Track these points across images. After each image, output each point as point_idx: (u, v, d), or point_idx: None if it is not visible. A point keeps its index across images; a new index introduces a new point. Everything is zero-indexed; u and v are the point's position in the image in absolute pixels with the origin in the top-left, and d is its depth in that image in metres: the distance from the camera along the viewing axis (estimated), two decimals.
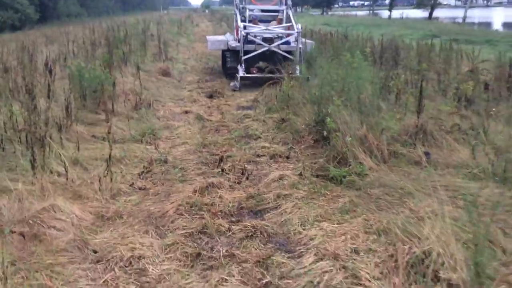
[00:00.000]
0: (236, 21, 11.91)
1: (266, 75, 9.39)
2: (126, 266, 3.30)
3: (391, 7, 57.40)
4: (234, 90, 10.29)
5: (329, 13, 75.37)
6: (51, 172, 4.82)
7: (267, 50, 10.61)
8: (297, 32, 10.51)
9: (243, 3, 12.32)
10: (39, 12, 37.81)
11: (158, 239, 3.72)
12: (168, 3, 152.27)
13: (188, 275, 3.21)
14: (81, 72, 7.58)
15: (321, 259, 3.32)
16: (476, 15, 76.18)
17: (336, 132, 5.30)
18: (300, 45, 10.40)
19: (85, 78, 7.55)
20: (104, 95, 7.70)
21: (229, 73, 11.41)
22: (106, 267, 3.29)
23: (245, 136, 6.70)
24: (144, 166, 5.40)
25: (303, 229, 3.81)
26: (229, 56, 11.68)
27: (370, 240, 3.53)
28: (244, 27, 10.75)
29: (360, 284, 3.01)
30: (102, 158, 5.39)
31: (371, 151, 5.13)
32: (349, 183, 4.61)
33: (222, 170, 5.22)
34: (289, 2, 12.06)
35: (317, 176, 4.92)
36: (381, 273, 3.11)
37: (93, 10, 57.68)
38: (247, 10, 12.05)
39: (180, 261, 3.38)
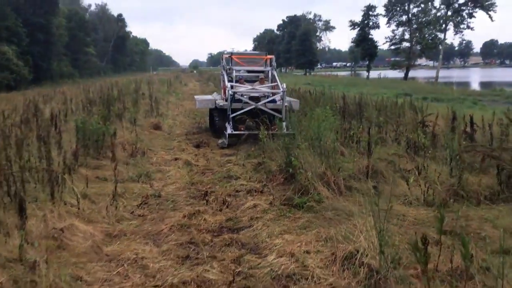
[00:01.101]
0: (223, 81, 12.42)
1: (253, 132, 9.82)
2: (132, 264, 4.34)
3: (368, 68, 60.73)
4: (222, 148, 10.53)
5: (312, 73, 78.82)
6: (65, 204, 5.87)
7: (253, 108, 10.83)
8: (282, 91, 10.92)
9: (230, 64, 12.80)
10: (33, 72, 39.49)
11: (156, 247, 4.78)
12: (157, 64, 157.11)
13: (179, 268, 4.25)
14: (85, 125, 8.78)
15: (281, 257, 4.40)
16: (455, 75, 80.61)
17: (300, 169, 6.50)
18: (286, 103, 10.84)
19: (88, 130, 8.73)
20: (104, 144, 8.87)
21: (217, 131, 11.82)
22: (117, 264, 4.33)
23: (226, 177, 7.84)
24: (141, 200, 6.49)
25: (269, 240, 4.91)
26: (217, 114, 12.07)
27: (319, 245, 4.64)
28: (232, 87, 11.14)
29: (307, 270, 4.09)
30: (106, 193, 6.49)
31: (329, 184, 6.31)
32: (308, 208, 5.75)
33: (207, 201, 6.35)
34: (274, 63, 12.93)
35: (284, 204, 6.06)
36: (324, 264, 4.21)
37: (85, 71, 59.95)
38: (234, 71, 12.61)
39: (173, 261, 4.44)
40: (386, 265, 3.76)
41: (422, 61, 79.45)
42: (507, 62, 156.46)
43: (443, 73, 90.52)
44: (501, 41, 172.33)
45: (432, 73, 76.02)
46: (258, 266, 4.29)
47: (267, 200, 6.29)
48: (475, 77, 71.85)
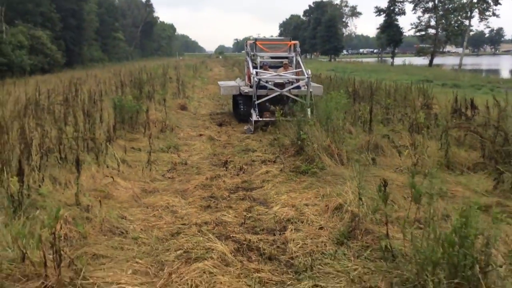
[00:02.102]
0: (248, 67, 12.55)
1: (277, 119, 9.71)
2: (164, 209, 5.43)
3: (393, 54, 60.61)
4: (250, 133, 10.55)
5: (337, 59, 78.86)
6: (107, 167, 6.98)
7: (278, 94, 10.98)
8: (307, 77, 10.89)
9: (254, 50, 12.83)
10: (66, 56, 41.18)
11: (183, 199, 5.85)
12: (183, 49, 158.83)
13: (202, 214, 5.31)
14: (121, 103, 9.91)
15: (284, 207, 5.42)
16: (484, 62, 79.38)
17: (308, 142, 7.47)
18: (311, 89, 10.82)
19: (124, 108, 9.87)
20: (138, 121, 10.00)
21: (242, 117, 11.95)
22: (153, 209, 5.42)
23: (245, 150, 8.87)
24: (171, 166, 7.59)
25: (276, 196, 5.92)
26: (242, 101, 12.11)
27: (317, 200, 5.63)
28: (256, 73, 11.10)
29: (305, 216, 5.08)
30: (141, 160, 7.60)
31: (332, 156, 7.25)
32: (312, 173, 6.71)
33: (226, 168, 7.39)
34: (298, 49, 12.80)
35: (292, 171, 7.04)
36: (318, 212, 5.20)
37: (114, 56, 61.68)
38: (258, 57, 12.58)
39: (197, 208, 5.50)
40: (364, 211, 4.72)
41: (451, 48, 78.42)
42: None
43: (472, 60, 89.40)
44: None
45: (463, 60, 75.10)
46: (265, 213, 5.32)
47: (278, 168, 7.28)
48: (506, 64, 70.45)
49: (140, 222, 5.06)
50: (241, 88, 12.40)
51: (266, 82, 11.27)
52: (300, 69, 11.93)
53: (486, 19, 47.72)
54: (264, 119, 10.71)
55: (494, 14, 46.87)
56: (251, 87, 11.37)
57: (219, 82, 15.48)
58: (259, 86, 11.00)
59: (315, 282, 3.69)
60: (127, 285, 3.68)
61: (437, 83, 26.59)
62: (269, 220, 5.14)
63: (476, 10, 46.49)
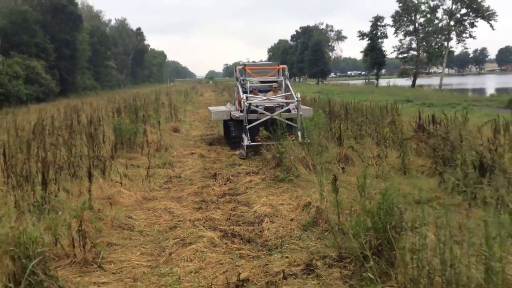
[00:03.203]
0: (238, 92, 12.61)
1: (270, 143, 9.81)
2: (163, 211, 6.51)
3: (377, 76, 62.65)
4: (242, 158, 10.62)
5: (324, 82, 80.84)
6: (111, 180, 8.05)
7: (269, 118, 11.00)
8: (296, 100, 11.18)
9: (243, 75, 13.02)
10: (60, 85, 42.34)
11: (178, 204, 6.93)
12: (174, 75, 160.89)
13: (194, 213, 6.39)
14: (120, 126, 11.01)
15: (263, 206, 6.52)
16: (470, 82, 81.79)
17: (285, 155, 8.61)
18: (301, 112, 11.08)
19: (123, 130, 10.97)
20: (135, 142, 11.10)
21: (233, 142, 11.99)
22: (153, 211, 6.50)
23: (232, 164, 9.99)
24: (166, 179, 8.66)
25: (257, 199, 7.02)
26: (233, 126, 12.20)
27: (291, 200, 6.73)
28: (247, 98, 11.30)
29: (279, 212, 6.18)
30: (140, 175, 8.67)
31: (307, 166, 8.38)
32: (289, 180, 7.83)
33: (215, 179, 8.50)
34: (286, 73, 13.07)
35: (272, 179, 8.15)
36: (291, 209, 6.31)
37: (106, 84, 62.98)
38: (248, 82, 12.86)
39: (190, 209, 6.58)
40: (326, 206, 5.83)
41: (436, 69, 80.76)
42: None
43: (457, 80, 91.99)
44: None
45: (446, 80, 77.42)
46: (246, 211, 6.43)
47: (260, 178, 8.40)
48: (490, 83, 72.61)
49: (143, 220, 6.14)
50: (231, 113, 12.58)
51: (257, 106, 11.38)
52: (290, 93, 12.15)
53: (463, 40, 49.91)
54: (256, 143, 10.74)
55: (471, 36, 49.06)
56: (241, 111, 11.50)
57: (210, 108, 15.69)
58: (250, 111, 11.18)
59: (283, 255, 4.78)
60: (137, 262, 4.74)
61: (416, 102, 28.07)
62: (250, 216, 6.24)
63: (454, 32, 48.69)
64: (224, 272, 4.39)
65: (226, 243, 5.15)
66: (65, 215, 5.38)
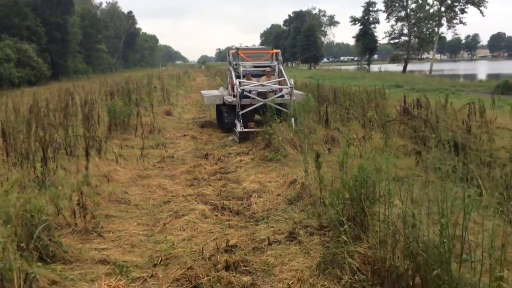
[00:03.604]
0: (231, 77, 12.52)
1: (262, 129, 9.92)
2: (157, 187, 6.89)
3: (369, 62, 63.06)
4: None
5: (316, 67, 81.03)
6: (107, 159, 8.40)
7: (262, 104, 10.92)
8: (290, 87, 11.20)
9: (236, 60, 12.85)
10: (51, 69, 42.25)
11: (171, 181, 7.31)
12: (166, 59, 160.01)
13: (187, 189, 6.78)
14: (114, 108, 11.31)
15: (252, 183, 6.91)
16: (461, 67, 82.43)
17: (274, 136, 8.99)
18: (294, 98, 11.07)
19: (117, 112, 11.27)
20: (129, 124, 11.42)
21: (226, 127, 12.06)
22: (148, 187, 6.88)
23: (223, 145, 10.37)
24: (160, 158, 9.02)
25: (247, 177, 7.42)
26: (225, 110, 12.16)
27: (278, 178, 7.14)
28: (240, 83, 11.20)
29: (267, 189, 6.58)
30: (134, 155, 9.02)
31: (295, 146, 8.77)
32: (277, 160, 8.23)
33: (207, 159, 8.88)
34: (280, 58, 12.98)
35: (261, 159, 8.55)
36: (278, 186, 6.72)
37: (98, 67, 62.71)
38: (241, 67, 12.66)
39: (183, 186, 6.96)
40: (310, 182, 6.24)
41: (428, 55, 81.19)
42: None
43: (449, 66, 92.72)
44: (508, 33, 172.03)
45: (437, 66, 78.08)
46: (236, 188, 6.83)
47: (250, 158, 8.80)
48: (481, 69, 73.06)
49: (139, 195, 6.52)
50: (224, 97, 12.54)
51: (250, 92, 11.28)
52: (283, 78, 12.11)
53: (454, 26, 50.30)
54: (249, 129, 10.73)
55: (461, 22, 49.45)
56: (234, 96, 11.43)
57: (202, 92, 15.51)
58: (243, 96, 11.11)
59: (269, 225, 5.19)
60: (134, 231, 5.13)
61: (405, 88, 28.45)
62: (239, 192, 6.65)
63: (444, 18, 49.05)
64: (214, 239, 4.79)
65: (216, 215, 5.55)
66: (65, 189, 5.73)
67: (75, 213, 5.05)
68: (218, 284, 3.75)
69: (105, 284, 3.79)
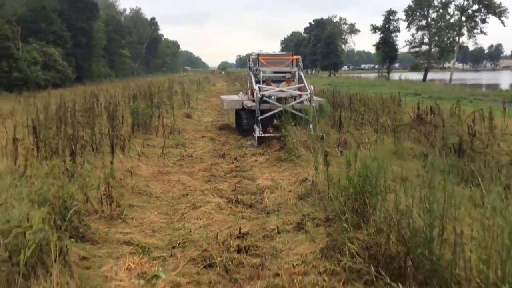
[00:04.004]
0: (251, 82, 12.59)
1: (281, 134, 10.05)
2: (176, 182, 7.35)
3: (389, 70, 63.00)
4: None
5: (336, 75, 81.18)
6: (130, 157, 8.91)
7: (281, 109, 10.95)
8: (310, 93, 11.18)
9: (257, 65, 12.92)
10: (76, 72, 43.45)
11: (190, 177, 7.77)
12: (187, 65, 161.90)
13: (204, 184, 7.22)
14: (137, 110, 11.87)
15: (265, 181, 7.32)
16: (484, 77, 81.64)
17: (289, 138, 9.39)
18: (313, 104, 11.04)
19: (139, 114, 11.82)
20: (151, 125, 11.96)
21: (245, 131, 12.21)
22: (168, 182, 7.35)
23: (239, 147, 10.81)
24: (179, 157, 9.50)
25: (261, 175, 7.83)
26: (245, 115, 12.35)
27: (290, 176, 7.53)
28: (259, 89, 11.23)
29: (279, 186, 6.98)
30: (155, 153, 9.52)
31: (308, 148, 9.15)
32: (290, 160, 8.62)
33: (223, 158, 9.33)
34: (300, 64, 13.05)
35: (276, 159, 8.95)
36: (290, 183, 7.11)
37: (121, 72, 64.06)
38: (261, 72, 12.73)
39: (200, 181, 7.41)
40: (320, 180, 6.62)
41: (450, 64, 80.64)
42: None
43: (471, 75, 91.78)
44: None
45: (460, 76, 77.44)
46: (250, 184, 7.25)
47: (265, 158, 9.21)
48: (505, 79, 72.03)
49: (159, 188, 6.99)
50: (244, 102, 12.68)
51: (269, 97, 11.34)
52: (303, 84, 12.13)
53: (474, 36, 50.05)
54: (267, 134, 10.79)
55: (482, 32, 49.22)
56: (254, 101, 11.53)
57: (222, 96, 15.74)
58: (262, 101, 11.17)
59: (279, 217, 5.59)
60: (155, 219, 5.58)
61: (424, 96, 28.60)
62: (253, 188, 7.07)
63: (465, 28, 48.86)
64: (228, 227, 5.20)
65: (230, 207, 5.98)
66: (92, 181, 6.23)
67: (102, 201, 5.53)
68: (230, 263, 4.17)
69: (129, 261, 4.23)
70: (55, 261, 3.64)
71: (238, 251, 4.50)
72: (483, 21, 47.90)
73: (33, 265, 3.59)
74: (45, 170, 5.62)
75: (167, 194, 6.73)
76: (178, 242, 4.78)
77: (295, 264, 4.18)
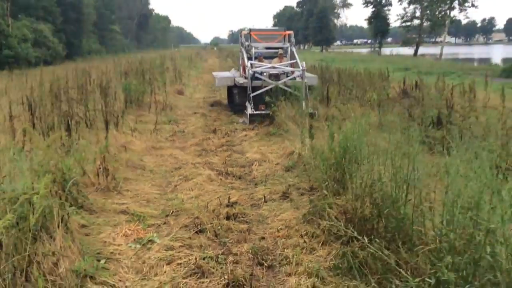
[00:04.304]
0: (243, 58, 12.49)
1: (270, 111, 10.06)
2: (169, 156, 7.67)
3: (380, 44, 62.94)
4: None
5: (328, 50, 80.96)
6: (123, 132, 9.18)
7: (273, 86, 10.87)
8: (302, 69, 11.00)
9: (249, 41, 12.68)
10: (66, 49, 43.12)
11: (182, 151, 8.08)
12: (179, 40, 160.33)
13: (195, 158, 7.54)
14: (130, 87, 12.08)
15: (254, 154, 7.66)
16: (476, 51, 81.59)
17: (277, 113, 9.69)
18: (305, 81, 10.86)
19: (132, 90, 12.04)
20: (143, 101, 12.19)
21: (237, 108, 12.14)
22: (161, 156, 7.66)
23: (230, 122, 11.11)
24: (172, 133, 9.79)
25: (250, 149, 8.17)
26: (237, 92, 12.25)
27: (278, 149, 7.87)
28: (251, 65, 11.07)
29: (267, 159, 7.32)
30: (148, 129, 9.79)
31: (296, 122, 9.46)
32: (279, 134, 8.95)
33: (215, 133, 9.64)
34: (293, 40, 12.92)
35: (265, 134, 9.28)
36: (277, 156, 7.46)
37: (111, 48, 63.46)
38: (253, 48, 12.49)
39: (192, 156, 7.74)
40: (306, 153, 6.96)
41: (442, 38, 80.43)
42: None
43: (464, 49, 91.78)
44: None
45: (452, 50, 77.41)
46: (240, 157, 7.60)
47: (255, 133, 9.54)
48: (496, 54, 71.72)
49: (153, 162, 7.31)
50: (236, 79, 12.48)
51: (261, 74, 11.19)
52: (295, 60, 11.94)
53: (465, 9, 50.05)
54: (259, 111, 10.75)
55: (473, 5, 49.19)
56: (246, 78, 11.39)
57: (214, 73, 15.57)
58: (254, 78, 11.04)
59: (266, 187, 5.94)
60: (149, 191, 5.91)
61: (413, 71, 28.85)
62: (242, 161, 7.41)
63: (456, 1, 48.79)
64: (218, 197, 5.54)
65: (221, 179, 6.32)
66: (88, 155, 6.52)
67: (98, 174, 5.84)
68: (220, 229, 4.53)
69: (126, 228, 4.58)
70: (58, 227, 3.97)
71: (227, 218, 4.86)
72: None
73: (38, 231, 3.92)
74: (47, 142, 5.91)
75: (160, 167, 7.05)
76: (171, 211, 5.13)
77: (279, 228, 4.55)
